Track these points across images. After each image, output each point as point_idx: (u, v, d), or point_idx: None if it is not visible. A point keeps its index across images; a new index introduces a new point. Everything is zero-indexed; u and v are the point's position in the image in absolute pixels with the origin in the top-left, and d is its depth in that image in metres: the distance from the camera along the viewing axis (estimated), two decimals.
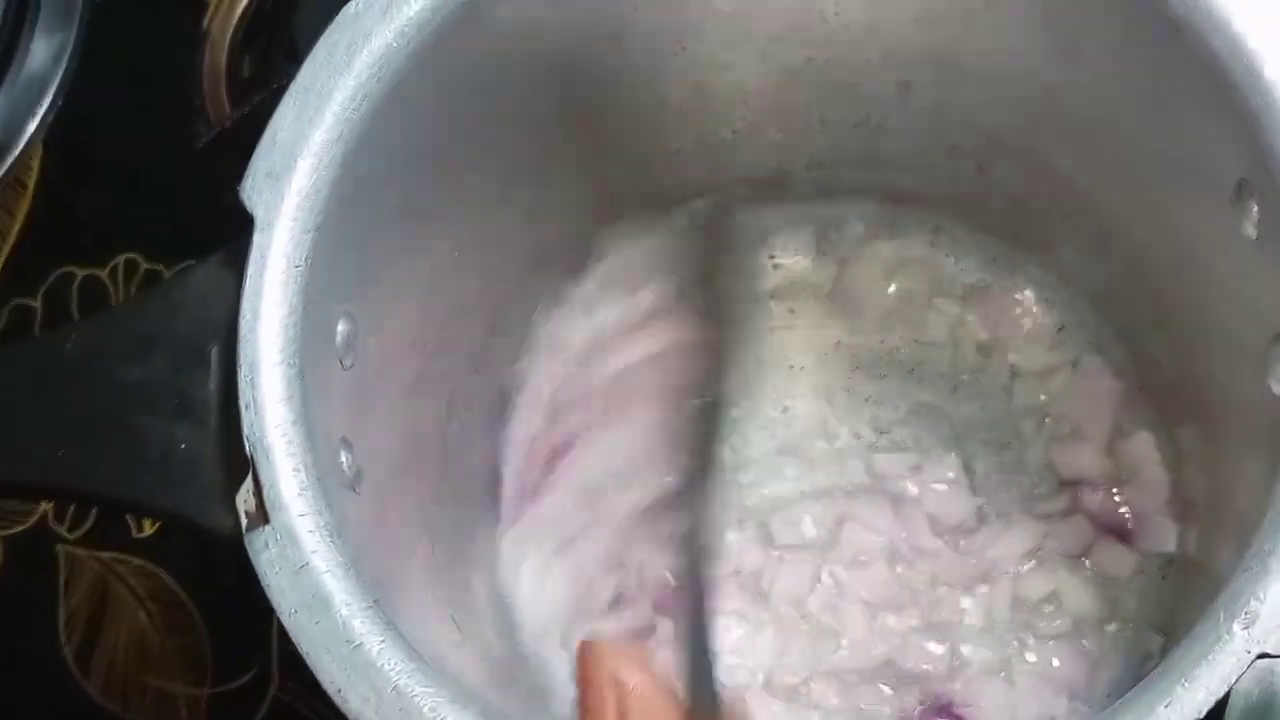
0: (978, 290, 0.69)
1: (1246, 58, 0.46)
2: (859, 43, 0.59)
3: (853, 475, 0.67)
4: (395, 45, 0.48)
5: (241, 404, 0.46)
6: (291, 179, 0.47)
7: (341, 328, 0.50)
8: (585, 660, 0.42)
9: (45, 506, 0.78)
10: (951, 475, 0.66)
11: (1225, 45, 0.46)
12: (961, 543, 0.66)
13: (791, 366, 0.70)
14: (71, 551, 0.77)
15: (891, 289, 0.70)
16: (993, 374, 0.68)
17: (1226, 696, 0.63)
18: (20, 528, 0.78)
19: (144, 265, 0.80)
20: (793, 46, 0.59)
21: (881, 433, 0.68)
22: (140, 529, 0.77)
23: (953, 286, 0.69)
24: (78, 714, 0.75)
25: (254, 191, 0.48)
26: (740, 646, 0.64)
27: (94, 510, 0.77)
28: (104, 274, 0.81)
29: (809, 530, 0.66)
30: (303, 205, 0.47)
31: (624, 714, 0.42)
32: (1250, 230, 0.48)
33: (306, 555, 0.45)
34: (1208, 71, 0.47)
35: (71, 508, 0.77)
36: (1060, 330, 0.68)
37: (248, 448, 0.46)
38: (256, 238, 0.47)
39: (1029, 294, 0.68)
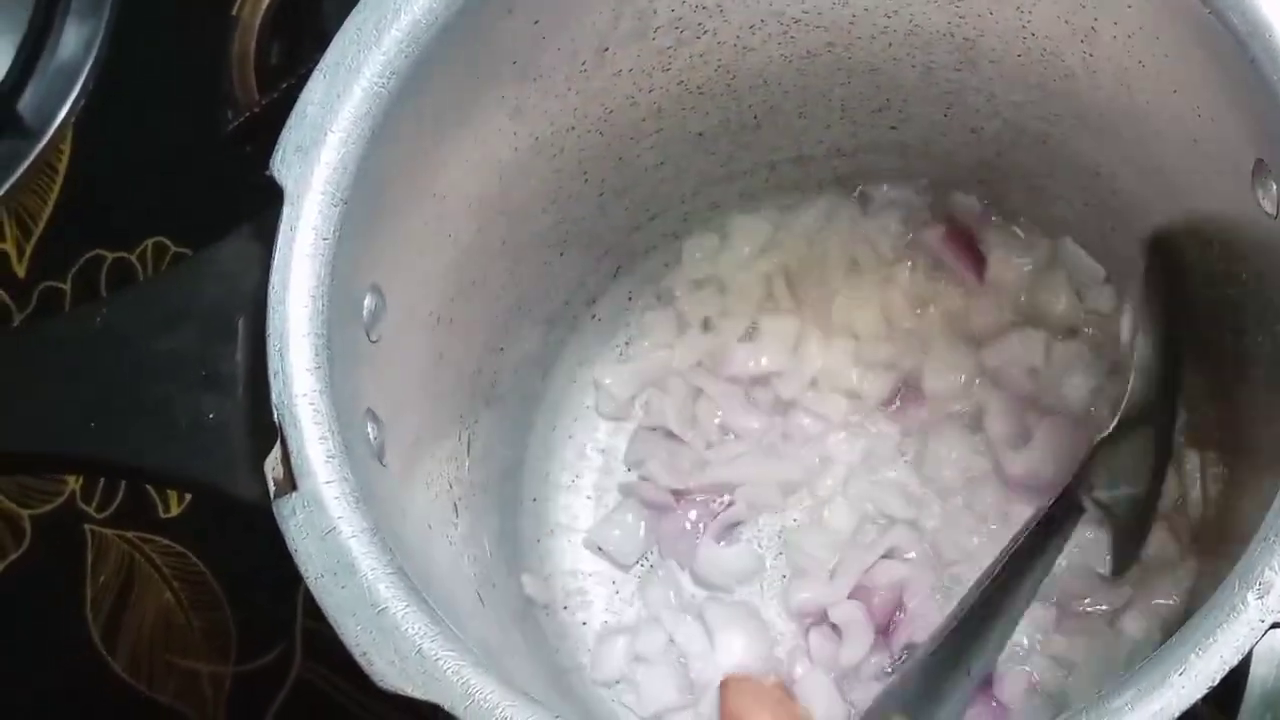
0: (996, 276, 0.69)
1: (1266, 36, 0.46)
2: (880, 26, 0.59)
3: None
4: (423, 21, 0.49)
5: (270, 373, 0.47)
6: (321, 152, 0.48)
7: (368, 302, 0.51)
8: (723, 696, 0.42)
9: (73, 486, 0.79)
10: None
11: (1245, 24, 0.46)
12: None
13: (810, 352, 0.70)
14: (98, 531, 0.78)
15: (910, 273, 0.70)
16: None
17: (1243, 668, 0.63)
18: (48, 507, 0.79)
19: (173, 249, 0.81)
20: (813, 29, 0.60)
21: (907, 435, 0.68)
22: (167, 509, 0.78)
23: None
24: (103, 691, 0.76)
25: (283, 165, 0.48)
26: None
27: (121, 490, 0.78)
28: (133, 257, 0.82)
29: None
30: (331, 179, 0.48)
31: None
32: (1269, 208, 0.48)
33: (333, 521, 0.45)
34: (1227, 51, 0.47)
35: (100, 486, 0.78)
36: (1087, 314, 0.68)
37: (275, 415, 0.46)
38: (286, 210, 0.48)
39: (1047, 278, 0.68)
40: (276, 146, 0.48)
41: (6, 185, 0.83)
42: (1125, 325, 0.63)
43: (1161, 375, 0.60)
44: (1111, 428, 0.59)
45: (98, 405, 0.49)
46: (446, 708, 0.43)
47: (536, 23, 0.53)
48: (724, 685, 0.40)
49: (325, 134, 0.48)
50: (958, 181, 0.68)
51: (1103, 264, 0.67)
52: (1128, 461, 0.60)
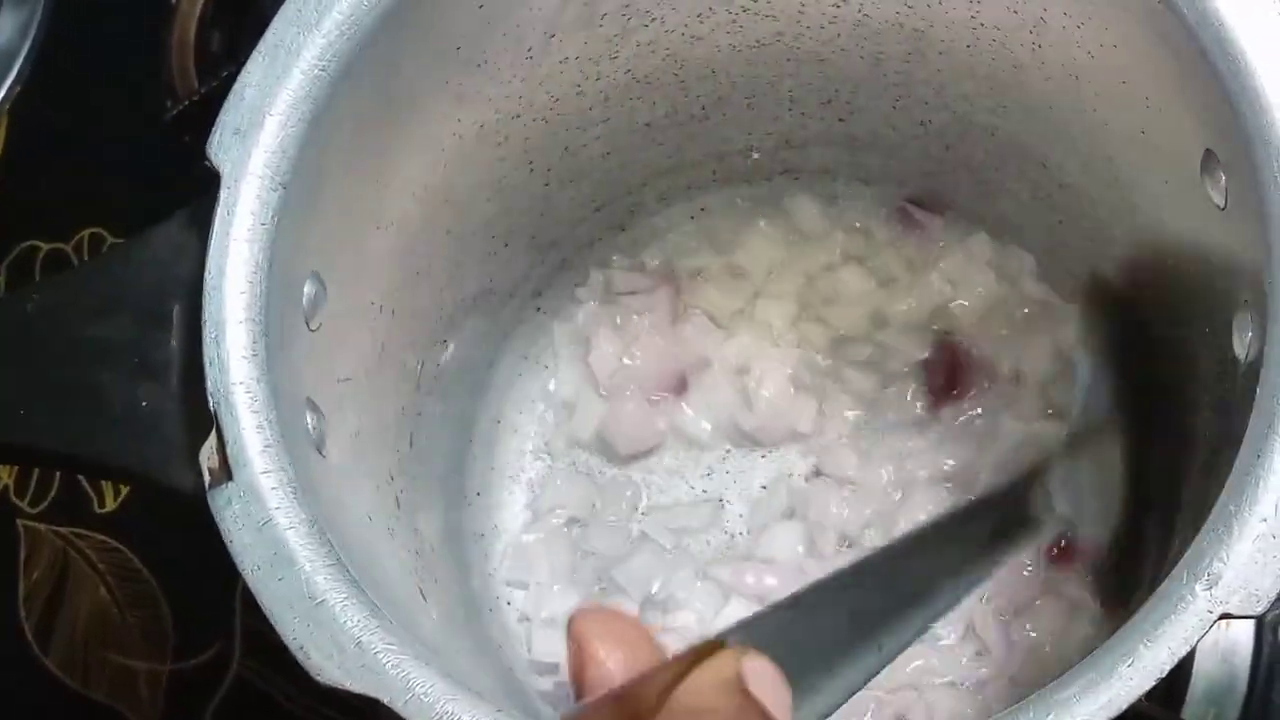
0: (943, 270, 0.69)
1: (1216, 26, 0.46)
2: (828, 15, 0.59)
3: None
4: (365, 4, 0.48)
5: (205, 360, 0.46)
6: (259, 136, 0.47)
7: (308, 289, 0.50)
8: (572, 629, 0.41)
9: (6, 480, 0.77)
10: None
11: (1194, 14, 0.46)
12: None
13: (762, 343, 0.69)
14: (31, 526, 0.77)
15: (858, 270, 0.70)
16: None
17: (1188, 663, 0.64)
18: None
19: (109, 240, 0.80)
20: (762, 18, 0.59)
21: (850, 411, 0.68)
22: (102, 504, 0.76)
23: (920, 266, 0.69)
24: (37, 689, 0.74)
25: (220, 148, 0.47)
26: None
27: (55, 485, 0.77)
28: (69, 248, 0.80)
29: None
30: (270, 162, 0.47)
31: (592, 686, 0.40)
32: (1217, 199, 0.48)
33: (270, 512, 0.44)
34: (1176, 41, 0.47)
35: (33, 481, 0.77)
36: (1025, 311, 0.68)
37: (211, 404, 0.45)
38: (223, 194, 0.47)
39: (995, 274, 0.68)
40: (213, 129, 0.48)
41: None
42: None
43: (1112, 398, 0.59)
44: (1066, 438, 0.58)
45: (28, 392, 0.48)
46: (386, 702, 0.42)
47: (481, 7, 0.52)
48: (573, 618, 0.38)
49: (264, 117, 0.47)
50: (906, 175, 0.68)
51: (1050, 258, 0.67)
52: (1088, 481, 0.58)
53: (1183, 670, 0.64)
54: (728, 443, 0.68)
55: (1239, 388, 0.46)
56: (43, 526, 0.77)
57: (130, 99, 0.81)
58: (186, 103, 0.77)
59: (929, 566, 0.48)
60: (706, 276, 0.70)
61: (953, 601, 0.48)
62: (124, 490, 0.76)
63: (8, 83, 0.83)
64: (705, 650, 0.36)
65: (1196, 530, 0.43)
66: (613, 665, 0.38)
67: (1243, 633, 0.65)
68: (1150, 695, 0.63)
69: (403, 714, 0.42)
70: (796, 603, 0.42)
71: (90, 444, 0.47)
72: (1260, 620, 0.65)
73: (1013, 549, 0.53)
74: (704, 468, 0.68)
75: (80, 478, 0.77)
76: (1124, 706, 0.41)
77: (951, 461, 0.66)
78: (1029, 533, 0.55)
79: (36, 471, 0.77)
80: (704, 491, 0.67)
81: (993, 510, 0.56)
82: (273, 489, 0.45)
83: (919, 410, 0.67)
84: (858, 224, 0.69)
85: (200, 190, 0.48)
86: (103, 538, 0.76)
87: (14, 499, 0.77)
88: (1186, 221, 0.52)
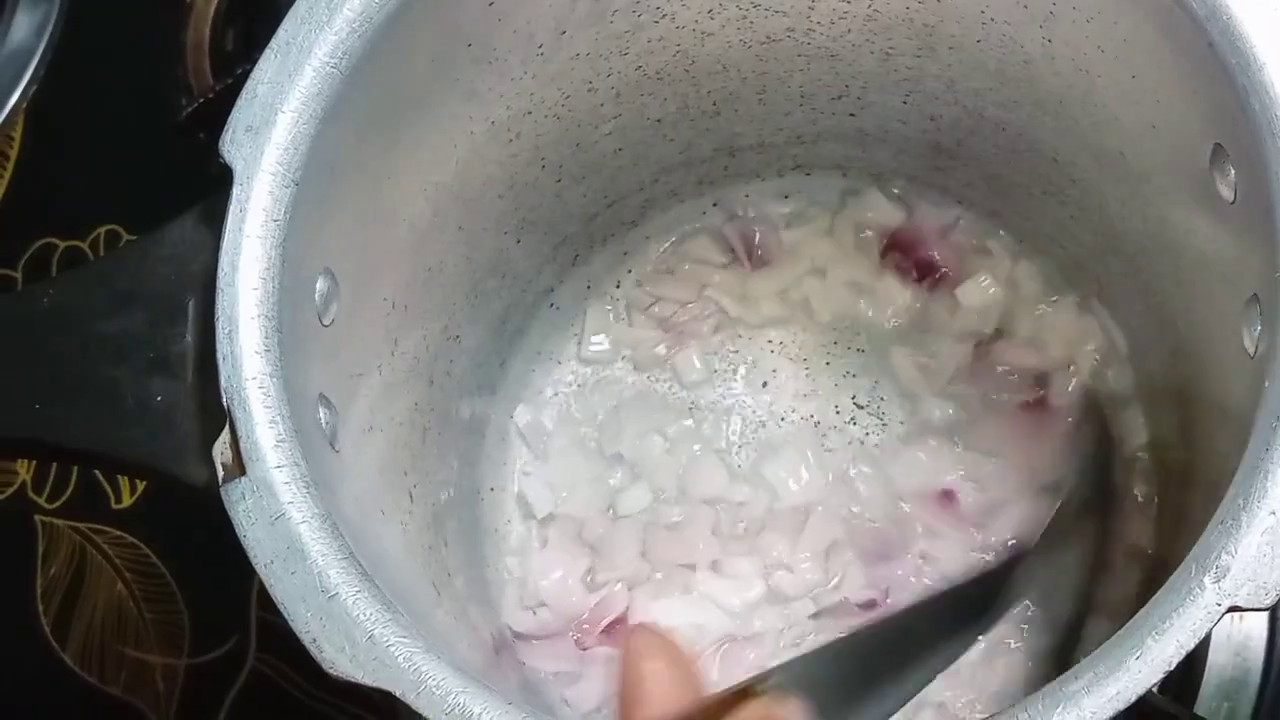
0: (956, 265, 0.69)
1: (1224, 19, 0.46)
2: (838, 11, 0.59)
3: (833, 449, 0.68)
4: (375, 1, 0.48)
5: (219, 356, 0.46)
6: (271, 133, 0.47)
7: (321, 285, 0.50)
8: (628, 646, 0.42)
9: (24, 476, 0.78)
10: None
11: (1203, 8, 0.46)
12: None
13: (770, 340, 0.70)
14: (49, 521, 0.77)
15: (870, 264, 0.70)
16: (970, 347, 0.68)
17: (1201, 656, 0.64)
18: None
19: (125, 237, 0.81)
20: (772, 14, 0.59)
21: (860, 407, 0.68)
22: (119, 499, 0.77)
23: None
24: (54, 683, 0.75)
25: (233, 145, 0.47)
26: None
27: (72, 480, 0.77)
28: (85, 245, 0.81)
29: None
30: (282, 160, 0.47)
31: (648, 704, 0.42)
32: (1226, 194, 0.48)
33: (283, 506, 0.45)
34: (1185, 35, 0.47)
35: (51, 477, 0.77)
36: (1038, 304, 0.68)
37: (224, 399, 0.46)
38: (235, 191, 0.47)
39: (1007, 267, 0.68)
40: (226, 126, 0.48)
41: None
42: None
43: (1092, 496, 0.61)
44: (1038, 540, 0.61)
45: (43, 387, 0.48)
46: (398, 694, 0.43)
47: (492, 4, 0.52)
48: (630, 632, 0.40)
49: (276, 114, 0.47)
50: (917, 171, 0.68)
51: (1063, 252, 0.67)
52: (1050, 579, 0.61)
53: (1195, 664, 0.64)
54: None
55: (1249, 382, 0.46)
56: (60, 522, 0.77)
57: (146, 97, 0.81)
58: (201, 100, 0.77)
59: (929, 632, 0.53)
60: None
61: (948, 661, 0.52)
62: (141, 486, 0.77)
63: (24, 82, 0.83)
64: (742, 695, 0.38)
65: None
66: (657, 686, 0.39)
67: (1256, 626, 0.65)
68: (1163, 689, 0.64)
69: (415, 707, 0.43)
70: (830, 650, 0.47)
71: (105, 438, 0.48)
72: (1273, 613, 0.65)
73: (990, 626, 0.57)
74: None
75: (97, 473, 0.77)
76: (1132, 699, 0.41)
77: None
78: (1003, 613, 0.58)
79: (54, 467, 0.78)
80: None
81: (977, 590, 0.59)
82: (285, 484, 0.45)
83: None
84: None
85: (214, 187, 0.48)
86: (119, 533, 0.77)
87: (31, 495, 0.78)
88: (1196, 215, 0.52)
